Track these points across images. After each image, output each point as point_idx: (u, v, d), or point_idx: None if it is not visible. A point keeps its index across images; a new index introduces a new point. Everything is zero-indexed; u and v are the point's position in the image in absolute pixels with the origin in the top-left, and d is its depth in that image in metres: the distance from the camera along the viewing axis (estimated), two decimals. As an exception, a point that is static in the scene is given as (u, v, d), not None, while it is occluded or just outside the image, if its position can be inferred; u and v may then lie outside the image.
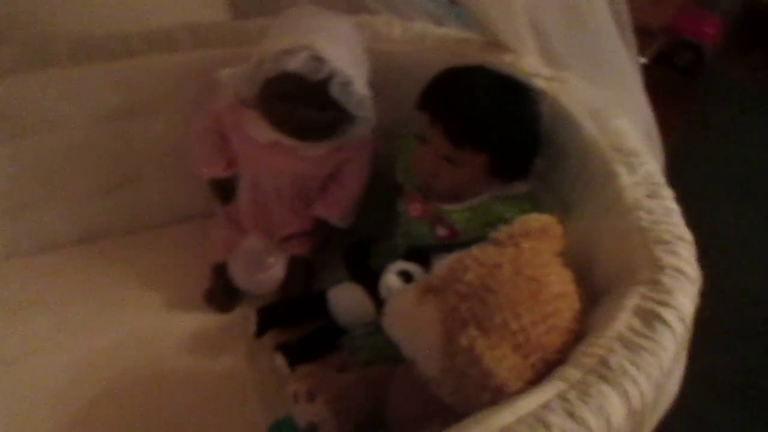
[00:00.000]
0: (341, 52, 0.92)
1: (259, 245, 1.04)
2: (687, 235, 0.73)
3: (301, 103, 0.93)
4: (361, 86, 0.93)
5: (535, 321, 0.64)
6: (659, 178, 0.84)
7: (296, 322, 1.02)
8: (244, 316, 1.07)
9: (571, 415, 0.54)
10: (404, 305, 0.75)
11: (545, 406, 0.55)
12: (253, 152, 1.03)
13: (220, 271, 1.09)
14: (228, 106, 1.00)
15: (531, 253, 0.71)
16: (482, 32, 1.15)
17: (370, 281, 0.99)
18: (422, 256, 0.96)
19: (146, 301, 1.10)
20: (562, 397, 0.56)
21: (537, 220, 0.74)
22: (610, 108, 0.92)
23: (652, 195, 0.80)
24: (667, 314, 0.63)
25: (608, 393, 0.56)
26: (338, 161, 1.04)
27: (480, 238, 0.94)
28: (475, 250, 0.72)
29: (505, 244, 0.72)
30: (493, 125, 0.85)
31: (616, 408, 0.55)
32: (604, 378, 0.57)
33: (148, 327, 1.05)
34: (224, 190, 1.09)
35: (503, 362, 0.61)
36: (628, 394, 0.56)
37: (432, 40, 1.13)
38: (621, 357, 0.59)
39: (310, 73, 0.88)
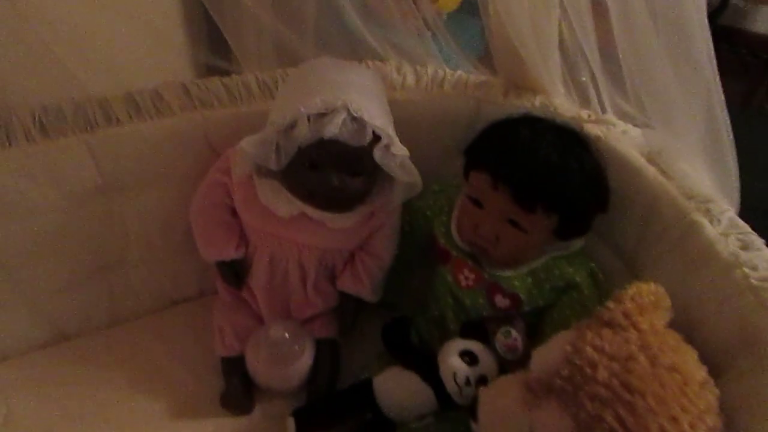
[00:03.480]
0: (376, 109, 0.80)
1: (283, 335, 0.89)
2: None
3: (334, 169, 0.80)
4: (400, 146, 0.81)
5: (693, 423, 0.54)
6: (744, 225, 0.77)
7: (339, 420, 0.87)
8: (268, 416, 0.92)
9: None
10: (509, 407, 0.64)
11: None
12: (271, 228, 0.88)
13: (234, 367, 0.93)
14: (239, 180, 0.86)
15: (655, 335, 0.62)
16: (493, 73, 1.07)
17: (417, 362, 0.87)
18: (480, 330, 0.85)
19: (143, 410, 0.92)
20: None
21: (649, 292, 0.65)
22: (670, 150, 0.85)
23: (746, 247, 0.73)
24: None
25: None
26: (369, 230, 0.91)
27: (548, 305, 0.86)
28: (590, 336, 0.62)
29: (622, 326, 0.62)
30: (567, 183, 0.76)
31: None
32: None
33: (153, 445, 0.87)
34: (235, 273, 0.94)
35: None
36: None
37: (450, 85, 1.03)
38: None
39: (352, 139, 0.76)
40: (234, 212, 0.91)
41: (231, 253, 0.91)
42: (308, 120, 0.76)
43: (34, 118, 0.84)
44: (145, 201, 0.96)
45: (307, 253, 0.90)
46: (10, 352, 0.97)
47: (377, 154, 0.78)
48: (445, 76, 1.04)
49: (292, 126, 0.77)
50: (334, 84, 0.79)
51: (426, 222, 0.96)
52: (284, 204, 0.85)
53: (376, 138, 0.79)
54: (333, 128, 0.74)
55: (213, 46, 1.11)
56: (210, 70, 1.10)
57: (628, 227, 0.86)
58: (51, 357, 0.99)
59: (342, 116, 0.75)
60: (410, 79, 1.03)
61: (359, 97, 0.78)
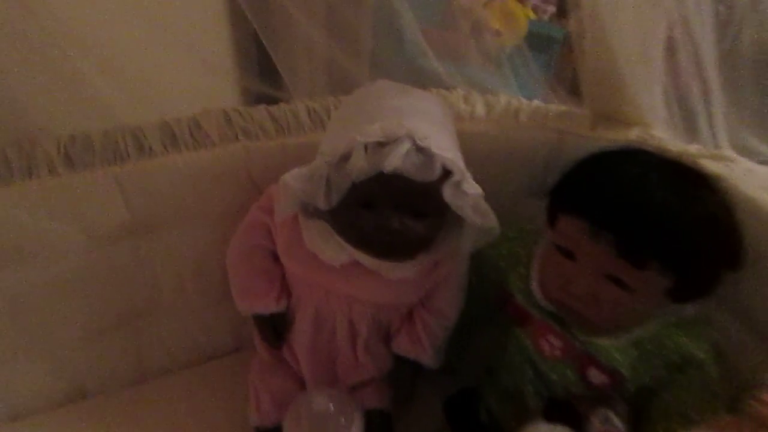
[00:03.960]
0: (445, 139, 0.67)
1: (327, 406, 0.75)
2: None
3: (394, 210, 0.67)
4: (473, 183, 0.68)
5: None
6: None
7: None
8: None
9: None
10: None
11: None
12: (317, 278, 0.75)
13: (270, 439, 0.79)
14: (283, 221, 0.74)
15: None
16: (577, 102, 0.93)
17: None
18: (568, 411, 0.68)
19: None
20: None
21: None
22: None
23: None
24: None
25: None
26: (433, 282, 0.77)
27: (658, 385, 0.68)
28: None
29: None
30: (689, 232, 0.60)
31: None
32: None
33: None
34: (275, 328, 0.81)
35: None
36: None
37: (527, 115, 0.90)
38: None
39: (417, 173, 0.62)
40: (276, 258, 0.78)
41: (271, 306, 0.78)
42: (365, 150, 0.63)
43: (59, 148, 0.75)
44: (177, 242, 0.85)
45: (359, 308, 0.77)
46: (22, 410, 0.86)
47: (447, 192, 0.65)
48: (521, 106, 0.90)
49: (346, 158, 0.64)
50: (396, 109, 0.67)
51: (498, 274, 0.81)
52: (333, 250, 0.72)
53: (445, 173, 0.65)
54: (395, 160, 0.61)
55: (263, 73, 1.02)
56: (259, 99, 1.00)
57: (760, 289, 0.68)
58: (67, 417, 0.88)
59: (406, 146, 0.62)
60: (480, 109, 0.90)
61: (425, 125, 0.66)
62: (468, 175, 0.67)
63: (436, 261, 0.75)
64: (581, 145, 0.84)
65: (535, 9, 1.92)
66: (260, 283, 0.78)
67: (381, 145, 0.63)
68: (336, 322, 0.78)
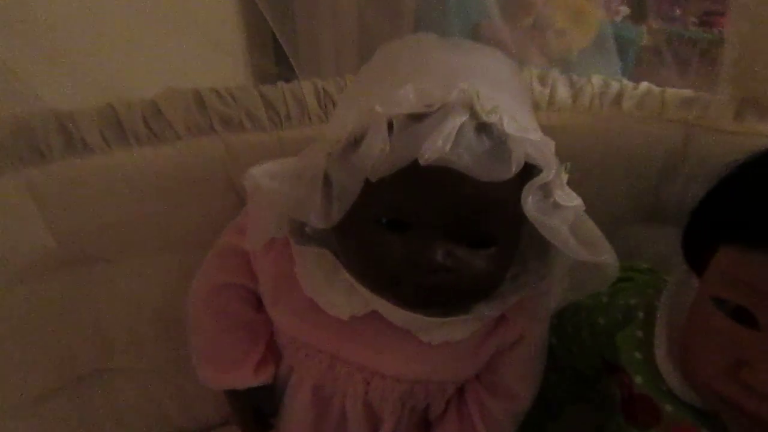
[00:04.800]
0: (524, 114, 0.41)
1: None
2: None
3: (439, 233, 0.40)
4: (569, 191, 0.41)
5: None
6: None
7: None
8: None
9: None
10: None
11: None
12: (318, 337, 0.49)
13: None
14: (268, 246, 0.48)
15: None
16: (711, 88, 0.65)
17: None
18: None
19: None
20: None
21: None
22: None
23: None
24: None
25: None
26: (497, 348, 0.49)
27: None
28: None
29: None
30: None
31: None
32: None
33: None
34: (257, 409, 0.54)
35: None
36: None
37: (633, 102, 0.62)
38: None
39: (481, 166, 0.36)
40: (259, 303, 0.52)
41: (247, 378, 0.51)
42: (389, 129, 0.37)
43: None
44: (126, 279, 0.60)
45: (380, 385, 0.49)
46: None
47: (529, 201, 0.38)
48: (624, 88, 0.63)
49: (357, 143, 0.38)
50: (444, 65, 0.41)
51: (596, 338, 0.53)
52: (340, 294, 0.46)
53: (525, 171, 0.38)
54: (439, 142, 0.35)
55: (279, 53, 0.78)
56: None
57: None
58: None
59: (458, 119, 0.36)
60: (563, 93, 0.63)
61: (492, 91, 0.39)
62: (563, 175, 0.40)
63: (503, 315, 0.48)
64: (720, 142, 0.56)
65: (606, 9, 1.69)
66: (233, 342, 0.52)
67: (416, 119, 0.37)
68: (346, 404, 0.51)
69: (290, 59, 0.67)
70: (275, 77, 0.72)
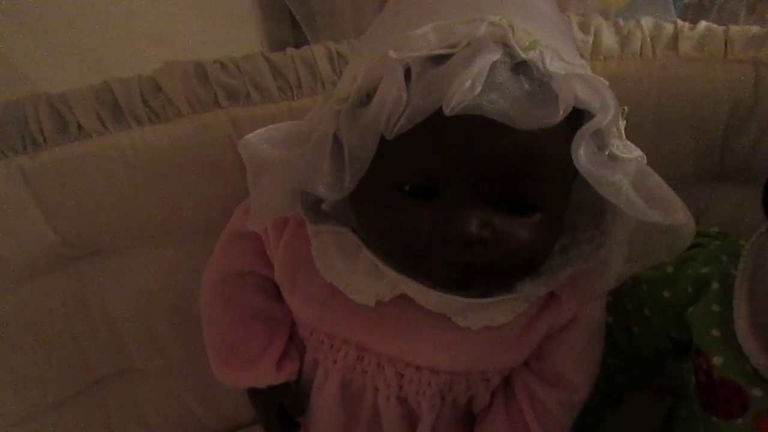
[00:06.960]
0: (568, 49, 0.34)
1: None
2: None
3: (474, 198, 0.34)
4: (626, 142, 0.34)
5: None
6: None
7: None
8: None
9: None
10: None
11: None
12: (342, 327, 0.43)
13: None
14: (281, 227, 0.43)
15: None
16: None
17: None
18: None
19: None
20: None
21: None
22: None
23: None
24: None
25: None
26: (547, 331, 0.43)
27: None
28: None
29: None
30: None
31: None
32: None
33: None
34: (281, 410, 0.49)
35: None
36: None
37: (692, 45, 0.54)
38: None
39: (521, 112, 0.29)
40: (277, 293, 0.47)
41: (267, 376, 0.46)
42: (406, 78, 0.31)
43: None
44: (134, 271, 0.55)
45: (414, 378, 0.43)
46: None
47: (582, 153, 0.31)
48: (680, 29, 0.55)
49: (368, 98, 0.32)
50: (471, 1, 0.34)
51: (662, 315, 0.46)
52: (365, 278, 0.40)
53: (573, 117, 0.32)
54: (468, 84, 0.29)
55: (296, 21, 0.73)
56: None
57: None
58: None
59: (491, 56, 0.30)
60: (609, 40, 0.55)
61: (530, 23, 0.33)
62: (621, 122, 0.33)
63: (552, 293, 0.41)
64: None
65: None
66: (249, 336, 0.47)
67: (438, 61, 0.31)
68: (378, 400, 0.45)
69: (300, 22, 0.61)
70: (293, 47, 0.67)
